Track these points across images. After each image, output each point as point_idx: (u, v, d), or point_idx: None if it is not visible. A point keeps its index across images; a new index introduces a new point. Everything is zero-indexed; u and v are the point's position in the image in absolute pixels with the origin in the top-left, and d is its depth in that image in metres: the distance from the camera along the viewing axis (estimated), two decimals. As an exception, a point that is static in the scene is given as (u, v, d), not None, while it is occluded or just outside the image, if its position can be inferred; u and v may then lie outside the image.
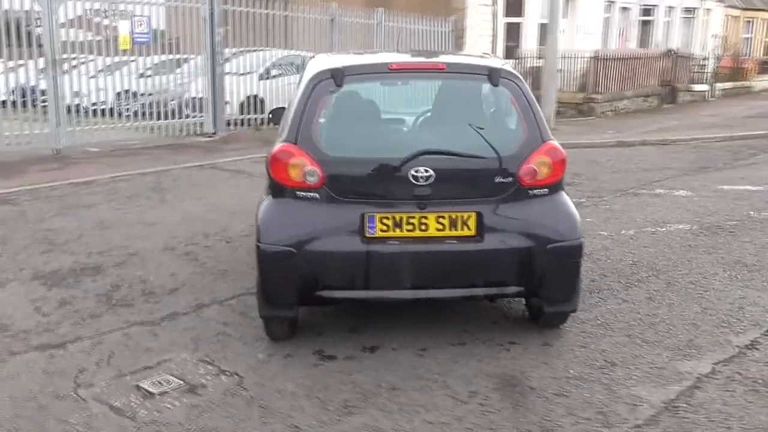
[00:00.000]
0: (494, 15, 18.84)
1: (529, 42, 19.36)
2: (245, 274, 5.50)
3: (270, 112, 14.55)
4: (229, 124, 13.84)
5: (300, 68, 16.33)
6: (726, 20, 31.46)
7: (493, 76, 4.10)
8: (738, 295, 4.96)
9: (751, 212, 7.54)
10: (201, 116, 13.40)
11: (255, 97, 14.62)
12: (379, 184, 3.97)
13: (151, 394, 3.65)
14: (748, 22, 33.85)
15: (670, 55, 20.83)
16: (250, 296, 5.01)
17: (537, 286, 4.00)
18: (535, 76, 18.19)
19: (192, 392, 3.67)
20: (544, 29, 20.56)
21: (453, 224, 3.94)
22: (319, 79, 4.09)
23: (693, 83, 23.06)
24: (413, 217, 3.93)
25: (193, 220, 7.23)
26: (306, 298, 4.03)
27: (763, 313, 4.64)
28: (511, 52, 19.05)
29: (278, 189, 4.05)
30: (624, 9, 24.45)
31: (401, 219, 3.93)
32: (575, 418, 3.34)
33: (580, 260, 4.05)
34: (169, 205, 7.97)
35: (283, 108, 7.50)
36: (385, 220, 3.93)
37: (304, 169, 3.92)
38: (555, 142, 4.05)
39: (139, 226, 6.98)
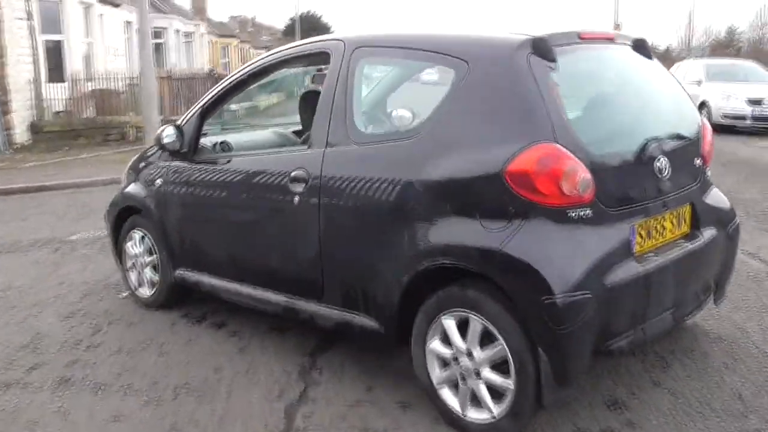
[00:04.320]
0: (32, 31, 15.88)
1: (75, 63, 16.96)
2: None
3: None
4: None
5: None
6: (210, 45, 33.13)
7: (647, 48, 3.52)
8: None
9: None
10: None
11: None
12: (636, 183, 3.01)
13: None
14: (224, 47, 36.29)
15: (213, 75, 20.83)
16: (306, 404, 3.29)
17: (719, 276, 3.59)
18: (99, 99, 16.16)
19: None
20: (91, 48, 18.42)
21: (678, 222, 3.26)
22: (525, 51, 2.87)
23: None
24: (657, 220, 3.11)
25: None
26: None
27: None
28: (57, 74, 16.38)
29: (530, 210, 2.70)
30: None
31: (650, 225, 3.07)
32: None
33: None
34: None
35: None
36: (641, 231, 3.01)
37: (578, 177, 2.71)
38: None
39: None
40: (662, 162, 3.08)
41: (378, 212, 3.11)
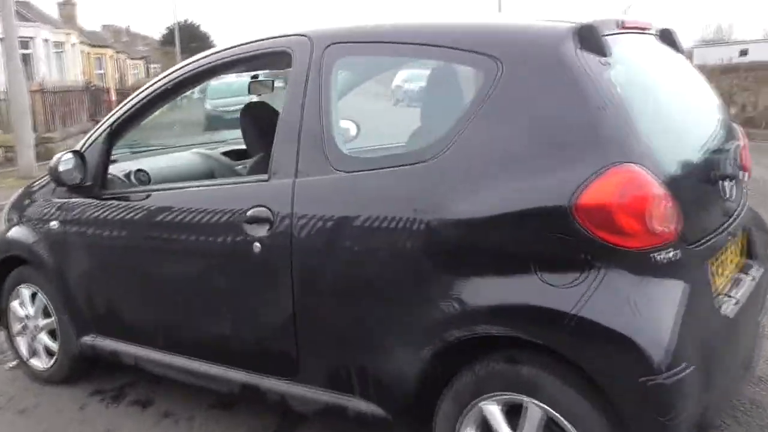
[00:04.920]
0: None
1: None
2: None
3: None
4: None
5: None
6: (84, 56, 30.93)
7: (675, 38, 2.91)
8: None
9: None
10: None
11: None
12: (708, 209, 2.38)
13: None
14: (99, 58, 34.00)
15: (90, 88, 19.11)
16: None
17: None
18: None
19: None
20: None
21: (738, 251, 2.66)
22: (573, 43, 2.15)
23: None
24: (724, 253, 2.49)
25: None
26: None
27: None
28: None
29: (609, 256, 1.99)
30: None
31: (720, 260, 2.45)
32: None
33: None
34: None
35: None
36: (714, 269, 2.38)
37: (666, 208, 2.03)
38: None
39: None
40: (729, 181, 2.47)
41: (381, 264, 2.31)
